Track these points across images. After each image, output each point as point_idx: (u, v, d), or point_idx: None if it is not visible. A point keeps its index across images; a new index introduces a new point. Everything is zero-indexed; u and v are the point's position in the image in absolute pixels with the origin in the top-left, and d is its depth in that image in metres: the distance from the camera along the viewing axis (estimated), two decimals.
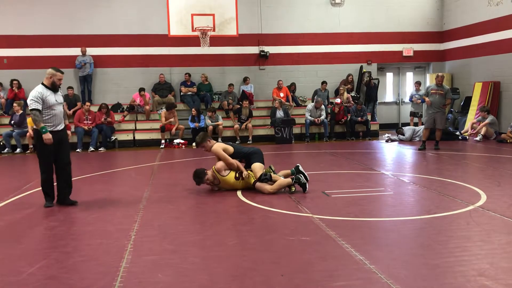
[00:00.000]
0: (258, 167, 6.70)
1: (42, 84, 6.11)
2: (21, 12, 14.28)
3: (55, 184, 6.24)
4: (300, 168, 6.91)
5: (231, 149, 6.85)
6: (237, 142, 13.08)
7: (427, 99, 10.85)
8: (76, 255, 4.22)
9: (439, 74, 11.15)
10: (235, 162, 6.72)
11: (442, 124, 11.06)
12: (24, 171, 9.83)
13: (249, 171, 6.72)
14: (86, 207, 6.12)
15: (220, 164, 6.72)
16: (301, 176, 6.55)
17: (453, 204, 5.73)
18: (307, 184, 6.54)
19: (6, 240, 4.78)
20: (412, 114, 15.00)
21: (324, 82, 15.19)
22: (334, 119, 14.03)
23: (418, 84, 15.13)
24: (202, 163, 10.18)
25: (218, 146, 6.83)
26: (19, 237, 4.86)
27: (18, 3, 14.26)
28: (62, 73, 6.24)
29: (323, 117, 13.90)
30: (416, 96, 14.70)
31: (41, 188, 6.20)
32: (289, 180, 6.58)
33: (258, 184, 6.58)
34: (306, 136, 13.76)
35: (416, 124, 14.42)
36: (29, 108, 5.98)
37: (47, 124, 5.99)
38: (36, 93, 5.97)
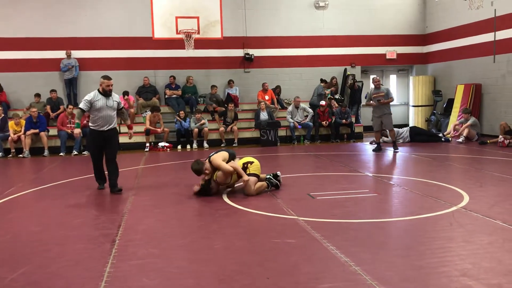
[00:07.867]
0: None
1: (98, 90, 6.97)
2: (2, 14, 14.07)
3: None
4: (278, 175, 7.12)
5: (226, 154, 6.79)
6: (222, 145, 13.08)
7: (371, 102, 11.01)
8: (60, 260, 4.17)
9: (374, 77, 11.34)
10: (232, 168, 6.58)
11: (390, 125, 11.26)
12: (6, 176, 9.63)
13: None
14: (70, 211, 6.06)
15: (220, 175, 6.58)
16: (272, 178, 6.95)
17: (436, 205, 5.80)
18: (279, 183, 6.99)
19: None
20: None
21: (323, 81, 15.10)
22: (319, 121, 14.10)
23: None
24: (187, 166, 10.15)
25: (216, 158, 6.64)
26: (1, 242, 4.78)
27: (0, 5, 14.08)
28: (110, 79, 6.95)
29: (308, 118, 13.98)
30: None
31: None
32: (265, 183, 6.83)
33: (251, 179, 6.57)
34: (293, 139, 13.81)
35: None
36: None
37: (94, 124, 6.90)
38: (87, 96, 6.91)
